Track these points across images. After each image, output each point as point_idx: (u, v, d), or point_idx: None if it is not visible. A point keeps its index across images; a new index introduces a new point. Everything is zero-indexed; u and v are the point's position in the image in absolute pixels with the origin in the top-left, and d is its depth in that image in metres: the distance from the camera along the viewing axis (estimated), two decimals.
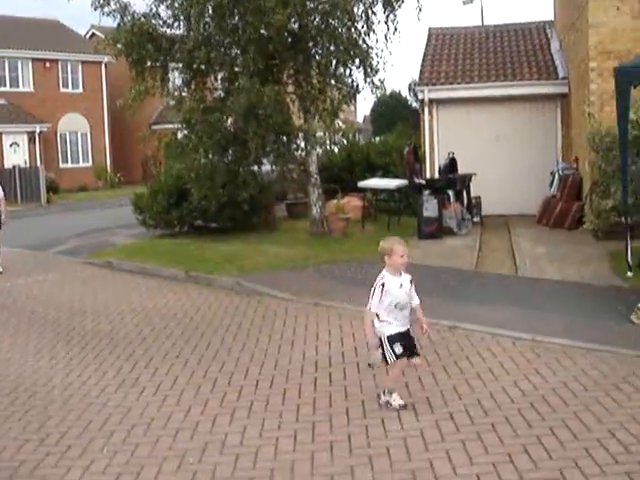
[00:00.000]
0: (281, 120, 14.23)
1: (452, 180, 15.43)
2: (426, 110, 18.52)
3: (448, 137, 17.95)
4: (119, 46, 14.89)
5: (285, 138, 15.24)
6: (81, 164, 37.46)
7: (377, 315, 5.66)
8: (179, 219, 15.93)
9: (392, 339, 5.62)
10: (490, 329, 7.77)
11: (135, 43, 14.50)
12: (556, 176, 16.35)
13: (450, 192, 15.09)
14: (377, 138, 24.00)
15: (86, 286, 11.44)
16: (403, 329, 5.71)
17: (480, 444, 4.97)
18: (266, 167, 16.33)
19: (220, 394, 6.20)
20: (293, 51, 14.58)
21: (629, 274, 9.81)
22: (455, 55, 19.86)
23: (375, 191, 17.02)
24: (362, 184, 16.56)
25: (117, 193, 31.05)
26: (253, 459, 4.88)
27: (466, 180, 15.87)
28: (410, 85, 18.25)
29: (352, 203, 16.32)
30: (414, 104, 20.51)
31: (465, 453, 4.84)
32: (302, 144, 15.68)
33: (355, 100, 32.88)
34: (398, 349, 5.61)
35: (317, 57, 15.06)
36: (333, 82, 15.63)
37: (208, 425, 5.53)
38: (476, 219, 16.06)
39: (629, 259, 9.95)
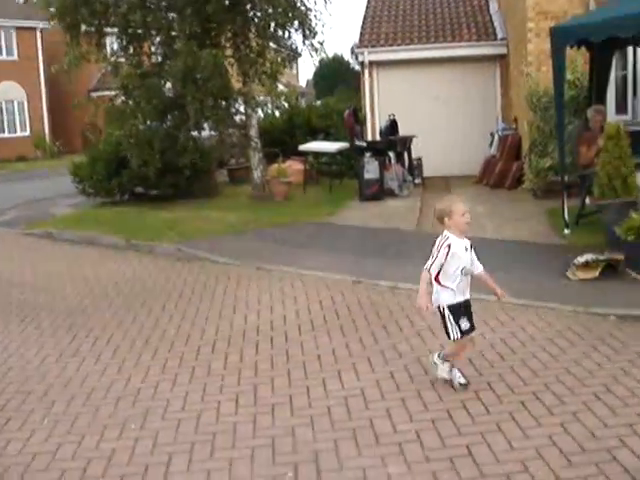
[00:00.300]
0: (220, 84, 14.06)
1: (393, 142, 15.48)
2: (366, 72, 18.53)
3: (389, 99, 17.99)
4: (52, 10, 14.53)
5: (224, 102, 15.07)
6: (19, 133, 36.54)
7: (437, 280, 5.15)
8: (119, 187, 15.68)
9: (455, 312, 5.13)
10: None
11: (68, 6, 14.14)
12: (496, 136, 16.53)
13: (391, 154, 15.16)
14: (318, 101, 23.87)
15: (25, 257, 11.26)
16: (462, 298, 5.21)
17: (420, 401, 5.05)
18: (206, 132, 16.18)
19: (161, 361, 6.17)
20: (231, 14, 14.39)
21: (566, 231, 9.98)
22: (395, 17, 19.85)
23: (317, 154, 17.01)
24: (303, 147, 16.52)
25: (57, 163, 30.38)
26: (195, 424, 4.89)
27: (407, 142, 15.94)
28: (352, 48, 18.15)
29: (294, 167, 16.27)
30: (356, 67, 20.47)
31: (405, 410, 4.91)
32: (242, 108, 15.56)
33: (296, 63, 32.47)
34: (465, 325, 5.16)
35: (255, 19, 14.90)
36: (272, 45, 15.51)
37: (150, 392, 5.51)
38: (417, 180, 16.19)
39: (566, 217, 10.12)
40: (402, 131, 16.07)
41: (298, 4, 14.69)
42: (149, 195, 16.13)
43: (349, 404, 5.06)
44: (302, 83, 56.32)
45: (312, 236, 11.14)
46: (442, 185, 16.29)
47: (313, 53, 15.49)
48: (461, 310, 5.17)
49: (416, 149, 16.37)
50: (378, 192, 14.31)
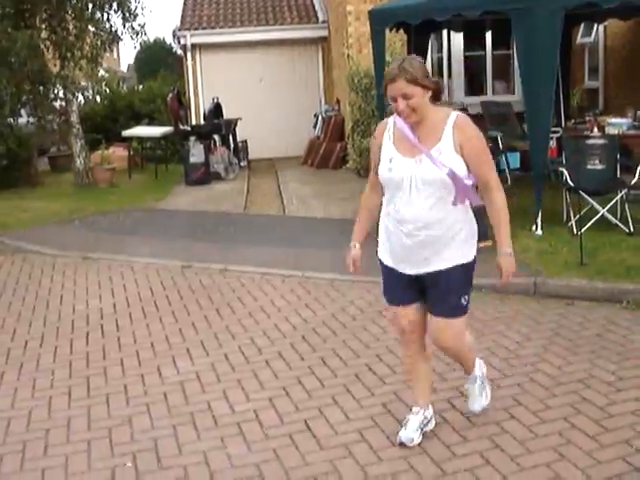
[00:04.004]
0: (37, 68, 13.48)
1: (217, 125, 15.40)
2: (189, 55, 18.32)
3: (213, 82, 17.88)
4: None
5: (42, 87, 14.47)
6: None
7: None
8: None
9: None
10: (260, 269, 7.92)
11: None
12: (319, 118, 16.80)
13: (216, 137, 15.09)
14: (141, 86, 23.35)
15: None
16: None
17: (256, 381, 5.08)
18: (24, 119, 15.49)
19: None
20: None
21: None
22: None
23: (141, 140, 16.67)
24: (127, 133, 16.14)
25: None
26: (26, 422, 4.69)
27: (232, 125, 15.91)
28: (174, 31, 17.85)
29: (118, 153, 15.90)
30: (179, 51, 20.17)
31: (242, 391, 4.93)
32: (61, 93, 14.99)
33: (117, 47, 31.48)
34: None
35: (73, 1, 14.35)
36: (91, 28, 15.00)
37: None
38: (243, 163, 16.22)
39: None
40: (227, 114, 16.01)
41: None
42: None
43: (185, 389, 5.02)
44: (124, 68, 54.90)
45: (140, 222, 10.94)
46: (268, 167, 16.41)
47: (134, 36, 15.18)
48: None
49: (241, 132, 16.38)
50: (204, 176, 14.23)
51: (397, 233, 3.78)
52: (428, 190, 3.61)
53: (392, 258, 3.92)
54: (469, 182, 3.63)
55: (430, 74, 3.63)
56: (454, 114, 3.65)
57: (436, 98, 3.67)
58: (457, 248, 3.75)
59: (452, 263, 3.75)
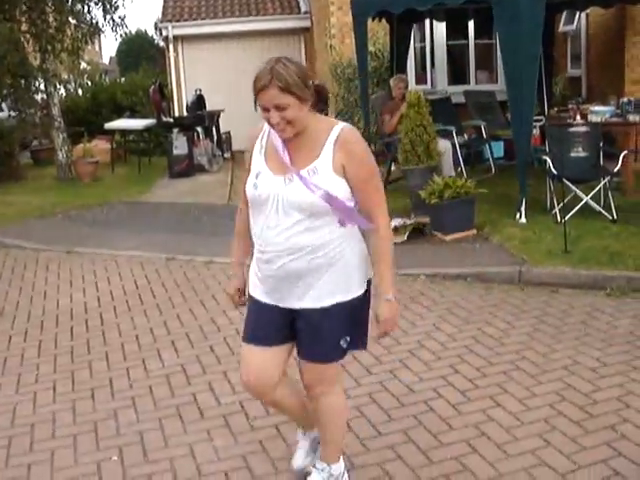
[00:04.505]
0: (17, 60, 13.37)
1: (200, 117, 15.34)
2: (171, 47, 18.23)
3: (195, 74, 17.81)
4: None
5: (23, 80, 14.36)
6: None
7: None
8: None
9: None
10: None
11: None
12: None
13: (199, 129, 15.02)
14: (123, 78, 23.21)
15: None
16: None
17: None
18: (4, 113, 15.37)
19: None
20: None
21: None
22: None
23: (124, 132, 16.58)
24: (109, 125, 16.04)
25: None
26: (11, 417, 4.66)
27: (214, 116, 15.85)
28: (155, 23, 17.80)
29: (100, 146, 15.79)
30: (161, 43, 20.07)
31: (228, 383, 4.92)
32: (42, 86, 14.89)
33: (99, 40, 31.23)
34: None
35: None
36: (72, 20, 14.90)
37: None
38: (227, 155, 16.15)
39: None
40: (210, 106, 15.95)
41: None
42: None
43: (171, 382, 5.01)
44: (105, 60, 54.62)
45: (123, 216, 10.89)
46: None
47: (115, 29, 15.09)
48: None
49: (225, 123, 16.31)
50: (188, 168, 14.17)
51: (261, 261, 3.14)
52: (296, 214, 2.95)
53: (264, 290, 3.19)
54: (352, 204, 3.03)
55: (311, 80, 2.95)
56: (338, 127, 2.98)
57: (317, 107, 3.05)
58: (338, 281, 3.07)
59: (330, 300, 3.08)
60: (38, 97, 15.20)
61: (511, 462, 3.74)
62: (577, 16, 13.51)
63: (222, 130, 16.23)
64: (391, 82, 10.82)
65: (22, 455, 4.18)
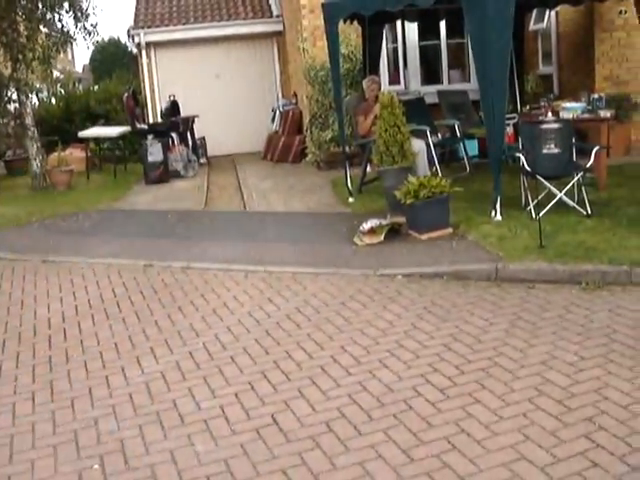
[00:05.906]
0: None
1: (175, 123, 15.31)
2: (144, 54, 18.17)
3: (169, 80, 17.76)
4: None
5: None
6: None
7: None
8: None
9: None
10: (223, 265, 7.88)
11: None
12: (277, 112, 16.77)
13: (174, 135, 14.99)
14: (96, 86, 23.11)
15: None
16: None
17: (221, 377, 5.07)
18: None
19: None
20: None
21: (351, 200, 10.33)
22: None
23: (98, 140, 16.51)
24: (83, 134, 15.97)
25: None
26: None
27: (189, 122, 15.82)
28: (128, 30, 17.67)
29: (75, 154, 15.70)
30: (134, 50, 19.96)
31: (207, 387, 4.92)
32: (15, 95, 14.79)
33: (71, 48, 30.99)
34: None
35: (22, 1, 14.16)
36: (42, 28, 14.82)
37: None
38: (202, 160, 16.14)
39: (349, 186, 10.47)
40: (184, 111, 15.94)
41: None
42: None
43: (150, 388, 5.00)
44: (79, 68, 54.32)
45: (99, 223, 10.83)
46: (228, 163, 16.35)
47: (87, 36, 15.03)
48: None
49: (200, 129, 16.30)
50: (163, 174, 14.13)
51: None
52: None
53: None
54: None
55: None
56: None
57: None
58: None
59: None
60: (11, 107, 15.10)
61: (491, 457, 3.76)
62: (547, 14, 13.62)
63: (197, 136, 16.22)
64: (364, 84, 10.86)
65: (1, 466, 4.15)
